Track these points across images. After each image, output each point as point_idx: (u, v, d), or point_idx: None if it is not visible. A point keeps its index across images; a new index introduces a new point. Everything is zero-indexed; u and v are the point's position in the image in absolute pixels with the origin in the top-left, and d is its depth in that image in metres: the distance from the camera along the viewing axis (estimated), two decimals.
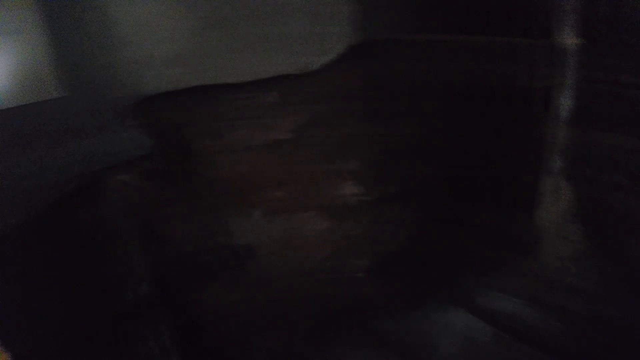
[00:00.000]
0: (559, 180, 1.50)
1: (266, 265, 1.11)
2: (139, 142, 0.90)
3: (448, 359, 1.20)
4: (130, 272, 0.86)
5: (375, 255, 1.40)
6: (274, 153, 1.08)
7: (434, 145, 1.43)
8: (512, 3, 1.40)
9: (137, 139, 0.90)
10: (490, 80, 1.44)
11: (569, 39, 1.47)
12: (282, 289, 1.16)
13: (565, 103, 1.56)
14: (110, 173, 0.86)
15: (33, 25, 0.76)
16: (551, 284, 1.52)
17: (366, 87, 1.27)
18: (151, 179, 0.90)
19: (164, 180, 0.91)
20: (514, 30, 1.42)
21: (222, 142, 0.98)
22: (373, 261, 1.40)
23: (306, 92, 1.16)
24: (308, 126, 1.16)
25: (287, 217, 1.14)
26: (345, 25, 1.16)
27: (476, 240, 1.49)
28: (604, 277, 1.56)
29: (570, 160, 1.56)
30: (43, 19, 0.77)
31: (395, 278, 1.44)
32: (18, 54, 0.75)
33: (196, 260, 0.95)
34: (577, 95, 1.50)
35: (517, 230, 1.54)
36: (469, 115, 1.44)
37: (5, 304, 0.81)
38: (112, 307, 0.86)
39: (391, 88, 1.28)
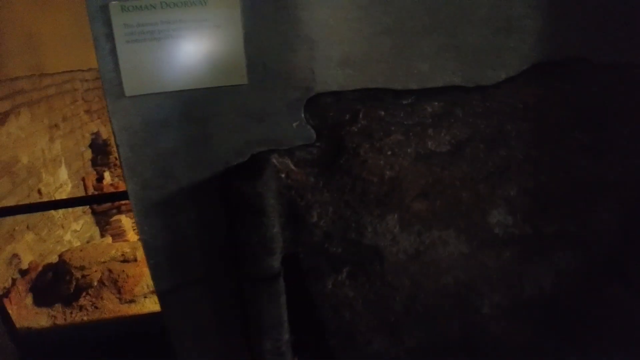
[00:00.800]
0: None
1: (389, 272, 1.12)
2: (303, 133, 0.99)
3: None
4: (270, 244, 0.97)
5: (511, 294, 1.29)
6: (424, 163, 1.07)
7: (609, 184, 1.22)
8: None
9: (303, 129, 0.99)
10: None
11: None
12: (399, 299, 1.16)
13: None
14: (273, 155, 0.96)
15: (233, 20, 0.89)
16: None
17: (541, 109, 1.15)
18: (305, 167, 0.98)
19: (315, 169, 0.99)
20: None
21: (375, 144, 1.01)
22: (506, 299, 1.29)
23: (473, 106, 1.10)
24: (467, 142, 1.10)
25: (422, 231, 1.12)
26: (529, 42, 1.06)
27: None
28: None
29: None
30: (242, 15, 0.89)
31: (528, 325, 1.30)
32: (217, 44, 0.89)
33: (323, 247, 1.02)
34: None
35: None
36: None
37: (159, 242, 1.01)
38: (247, 268, 0.99)
39: (569, 113, 1.13)
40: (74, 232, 4.49)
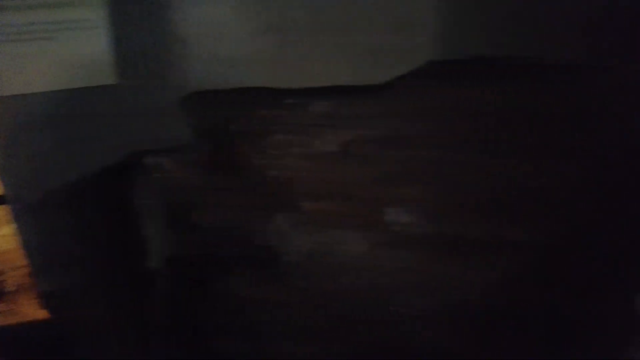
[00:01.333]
0: None
1: (287, 273, 1.11)
2: (180, 133, 0.98)
3: None
4: (147, 246, 0.96)
5: (412, 295, 1.27)
6: (313, 164, 1.06)
7: (527, 186, 1.21)
8: None
9: (183, 129, 0.98)
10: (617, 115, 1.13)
11: None
12: (295, 301, 1.15)
13: None
14: (149, 156, 0.95)
15: (103, 20, 0.89)
16: None
17: (441, 108, 1.14)
18: (183, 167, 0.97)
19: (195, 170, 0.98)
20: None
21: (260, 144, 1.00)
22: (408, 300, 1.27)
23: (364, 105, 1.09)
24: (359, 142, 1.09)
25: (318, 231, 1.11)
26: (425, 40, 1.05)
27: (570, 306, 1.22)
28: None
29: None
30: (112, 15, 0.88)
31: (448, 331, 1.28)
32: (86, 45, 0.89)
33: (209, 249, 1.01)
34: None
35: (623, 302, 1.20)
36: (564, 153, 1.17)
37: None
38: (125, 269, 0.98)
39: (466, 113, 1.12)
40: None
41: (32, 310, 2.98)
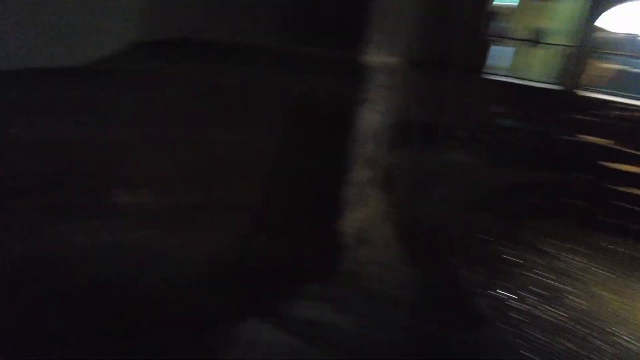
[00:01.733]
0: (364, 190, 1.53)
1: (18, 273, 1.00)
2: None
3: None
4: None
5: (174, 267, 1.33)
6: (27, 153, 0.97)
7: (243, 155, 1.39)
8: (330, 16, 1.40)
9: None
10: (302, 91, 1.43)
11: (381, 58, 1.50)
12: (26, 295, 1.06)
13: (374, 119, 1.61)
14: None
15: None
16: (358, 290, 1.57)
17: (154, 87, 1.20)
18: None
19: None
20: (331, 44, 1.42)
21: None
22: (170, 274, 1.33)
23: (66, 88, 1.06)
24: (62, 126, 1.05)
25: (46, 228, 1.03)
26: (127, 22, 1.08)
27: (282, 251, 1.49)
28: (414, 285, 1.64)
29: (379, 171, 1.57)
30: None
31: (196, 291, 1.39)
32: None
33: None
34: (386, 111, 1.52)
35: (324, 238, 1.57)
36: (282, 125, 1.42)
37: None
38: None
39: (177, 91, 1.22)
40: None
41: None
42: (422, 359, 1.26)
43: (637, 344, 2.87)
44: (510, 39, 6.64)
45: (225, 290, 1.32)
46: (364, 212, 1.54)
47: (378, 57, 1.43)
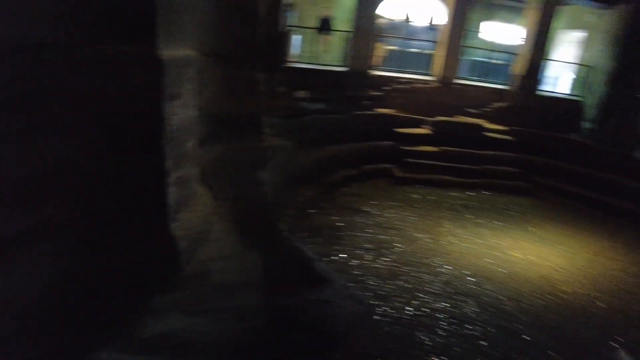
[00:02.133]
0: (191, 188, 1.45)
1: None
2: None
3: None
4: None
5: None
6: None
7: (50, 167, 1.16)
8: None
9: None
10: (103, 91, 1.28)
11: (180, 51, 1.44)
12: None
13: (187, 114, 1.55)
14: None
15: None
16: (209, 287, 1.51)
17: None
18: None
19: None
20: (122, 38, 1.28)
21: None
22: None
23: None
24: None
25: None
26: None
27: (114, 268, 1.32)
28: (261, 271, 1.65)
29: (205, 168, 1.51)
30: None
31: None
32: None
33: None
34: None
35: (157, 245, 1.47)
36: (90, 131, 1.25)
37: None
38: None
39: None
40: None
41: None
42: (283, 330, 1.30)
43: (448, 267, 3.50)
44: (303, 28, 7.14)
45: (58, 331, 1.12)
46: (195, 210, 1.48)
47: (177, 51, 1.37)
